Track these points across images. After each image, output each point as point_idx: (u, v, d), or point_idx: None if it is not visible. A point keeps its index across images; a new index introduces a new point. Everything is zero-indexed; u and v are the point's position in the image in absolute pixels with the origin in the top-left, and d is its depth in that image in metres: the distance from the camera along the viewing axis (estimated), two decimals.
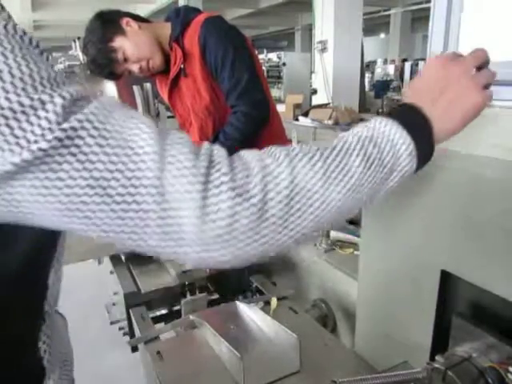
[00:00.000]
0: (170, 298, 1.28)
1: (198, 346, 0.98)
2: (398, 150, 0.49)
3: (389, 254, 0.86)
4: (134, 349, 1.10)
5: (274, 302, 1.11)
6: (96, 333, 2.19)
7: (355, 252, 1.25)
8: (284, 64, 6.98)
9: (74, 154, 0.36)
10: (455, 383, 0.63)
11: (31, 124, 0.34)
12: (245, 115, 1.39)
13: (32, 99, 0.35)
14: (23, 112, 0.34)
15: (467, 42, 1.12)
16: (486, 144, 0.82)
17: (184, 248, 0.41)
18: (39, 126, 0.34)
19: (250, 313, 1.04)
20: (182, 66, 1.47)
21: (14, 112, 0.34)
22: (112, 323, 1.36)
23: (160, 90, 1.69)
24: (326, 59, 4.63)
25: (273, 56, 7.29)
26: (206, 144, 0.43)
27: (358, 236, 1.21)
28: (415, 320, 0.81)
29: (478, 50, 0.58)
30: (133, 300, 1.20)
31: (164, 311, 1.31)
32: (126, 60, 1.42)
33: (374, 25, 12.70)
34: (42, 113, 0.35)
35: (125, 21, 1.40)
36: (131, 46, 1.40)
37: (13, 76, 0.35)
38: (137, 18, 1.48)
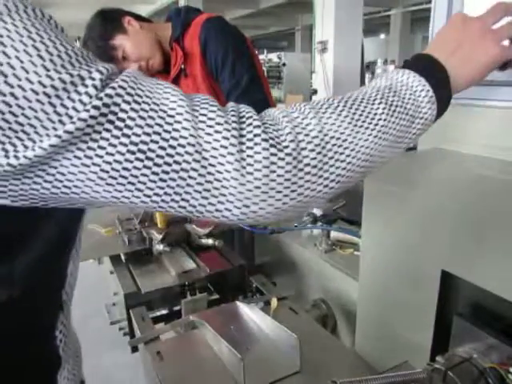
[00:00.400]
0: (170, 298, 1.28)
1: (198, 347, 0.98)
2: (418, 97, 0.51)
3: (389, 254, 0.86)
4: (134, 349, 1.10)
5: (274, 302, 1.11)
6: (96, 333, 2.19)
7: (355, 252, 1.25)
8: (284, 64, 6.98)
9: (111, 122, 0.37)
10: None
11: (72, 100, 0.35)
12: None
13: (72, 75, 0.36)
14: (64, 89, 0.35)
15: None
16: (485, 144, 0.82)
17: (226, 204, 0.41)
18: (80, 101, 0.35)
19: (250, 313, 1.04)
20: (183, 67, 1.47)
21: (56, 89, 0.35)
22: (112, 323, 1.36)
23: None
24: (327, 59, 4.63)
25: (273, 56, 7.29)
26: (230, 103, 0.45)
27: (359, 236, 1.20)
28: (416, 320, 0.81)
29: (497, 5, 0.59)
30: (133, 300, 1.20)
31: (164, 311, 1.31)
32: (125, 58, 1.41)
33: (374, 25, 12.70)
34: (82, 88, 0.36)
35: (126, 19, 1.40)
36: (131, 45, 1.40)
37: (51, 54, 0.36)
38: (138, 17, 1.48)
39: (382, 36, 14.91)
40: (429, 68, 0.54)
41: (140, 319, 1.11)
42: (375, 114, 0.47)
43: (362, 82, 4.89)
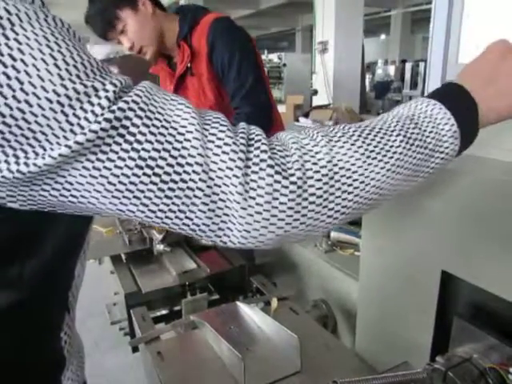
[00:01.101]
0: (171, 299, 1.28)
1: (199, 347, 0.98)
2: (441, 131, 0.48)
3: (389, 254, 0.86)
4: (135, 349, 1.10)
5: (274, 302, 1.11)
6: (97, 333, 2.19)
7: (356, 253, 1.25)
8: (284, 65, 6.98)
9: (122, 135, 0.37)
10: None
11: (85, 111, 0.36)
12: (248, 117, 1.39)
13: (86, 86, 0.36)
14: (78, 99, 0.35)
15: (468, 43, 1.12)
16: (486, 145, 0.82)
17: (228, 224, 0.41)
18: (92, 112, 0.36)
19: (251, 313, 1.04)
20: (189, 65, 1.48)
21: (70, 99, 0.35)
22: (113, 323, 1.36)
23: (163, 87, 1.69)
24: (327, 60, 4.64)
25: (273, 57, 7.28)
26: (242, 123, 0.44)
27: (359, 237, 1.21)
28: (416, 320, 0.81)
29: None
30: (133, 300, 1.20)
31: (165, 311, 1.31)
32: (122, 32, 1.42)
33: (374, 26, 12.70)
34: (95, 99, 0.36)
35: (142, 0, 1.41)
36: (136, 25, 1.40)
37: (67, 64, 0.36)
38: (157, 3, 1.48)
39: (383, 36, 14.90)
40: (457, 99, 0.50)
41: (141, 319, 1.11)
42: (391, 147, 0.45)
43: (363, 83, 4.89)
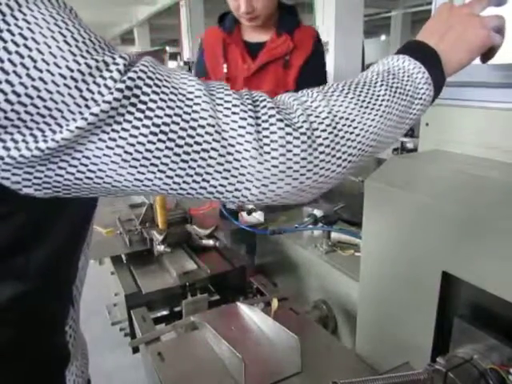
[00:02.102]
0: (171, 299, 1.28)
1: (199, 347, 0.98)
2: (415, 79, 0.53)
3: (389, 255, 0.86)
4: (135, 350, 1.10)
5: (274, 302, 1.11)
6: (97, 334, 2.19)
7: (356, 253, 1.25)
8: None
9: (134, 104, 0.38)
10: None
11: (98, 85, 0.36)
12: None
13: (97, 61, 0.37)
14: (90, 74, 0.36)
15: None
16: (486, 146, 0.82)
17: (245, 183, 0.42)
18: (105, 85, 0.37)
19: (251, 314, 1.04)
20: (288, 58, 1.54)
21: (83, 74, 0.36)
22: (113, 324, 1.36)
23: (214, 57, 1.64)
24: (327, 61, 4.64)
25: None
26: (244, 89, 0.46)
27: (359, 237, 1.21)
28: (416, 321, 0.81)
29: None
30: (134, 301, 1.20)
31: (165, 312, 1.31)
32: None
33: (374, 27, 12.71)
34: (106, 73, 0.37)
35: None
36: None
37: (76, 40, 0.37)
38: None
39: (383, 37, 14.91)
40: (422, 52, 0.56)
41: (141, 320, 1.11)
42: (378, 96, 0.49)
43: None
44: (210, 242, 1.41)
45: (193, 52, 7.21)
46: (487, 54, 0.61)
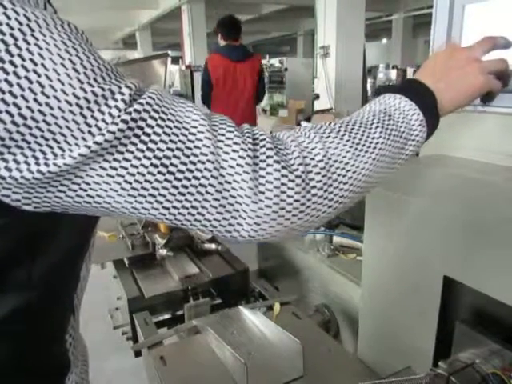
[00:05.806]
0: (174, 303, 1.28)
1: (201, 351, 0.98)
2: (410, 120, 0.53)
3: (391, 259, 0.86)
4: (138, 354, 1.10)
5: (276, 307, 1.11)
6: (99, 337, 2.19)
7: (358, 257, 1.25)
8: (286, 69, 6.98)
9: (137, 136, 0.38)
10: None
11: (102, 113, 0.37)
12: None
13: (103, 89, 0.37)
14: (96, 101, 0.37)
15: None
16: (486, 150, 0.83)
17: (238, 220, 0.43)
18: (110, 114, 0.37)
19: (253, 318, 1.05)
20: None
21: (88, 101, 0.37)
22: (115, 328, 1.36)
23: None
24: (329, 64, 4.64)
25: (275, 61, 7.29)
26: (245, 125, 0.47)
27: (361, 241, 1.21)
28: (418, 326, 0.81)
29: (486, 38, 0.62)
30: (136, 305, 1.20)
31: (167, 316, 1.31)
32: None
33: (375, 30, 12.72)
34: (112, 102, 0.37)
35: None
36: None
37: (85, 68, 0.37)
38: None
39: (384, 41, 14.92)
40: (419, 93, 0.56)
41: (143, 324, 1.11)
42: (373, 138, 0.50)
43: (364, 87, 4.89)
44: (212, 246, 1.41)
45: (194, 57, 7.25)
46: (486, 96, 0.62)
